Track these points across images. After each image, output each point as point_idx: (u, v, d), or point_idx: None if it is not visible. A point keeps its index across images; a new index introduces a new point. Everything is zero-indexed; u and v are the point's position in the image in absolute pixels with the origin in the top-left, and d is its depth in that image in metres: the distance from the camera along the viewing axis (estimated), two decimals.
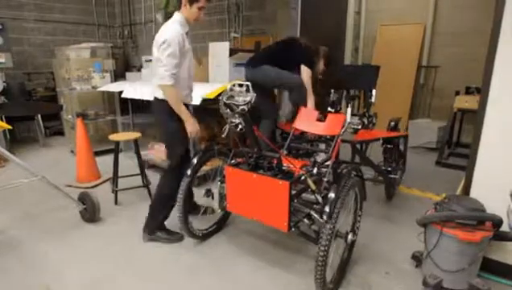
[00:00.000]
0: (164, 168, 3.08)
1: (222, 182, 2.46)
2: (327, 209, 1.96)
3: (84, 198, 3.11)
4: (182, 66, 2.59)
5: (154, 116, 2.76)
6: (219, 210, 2.58)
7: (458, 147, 5.26)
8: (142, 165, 3.66)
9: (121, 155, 3.67)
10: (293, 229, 2.16)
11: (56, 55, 5.73)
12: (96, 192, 3.36)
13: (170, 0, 6.17)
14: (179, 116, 2.59)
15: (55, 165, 4.77)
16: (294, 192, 2.14)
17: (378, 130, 3.56)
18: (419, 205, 3.30)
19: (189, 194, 2.76)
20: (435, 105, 5.87)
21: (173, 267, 2.52)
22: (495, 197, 2.11)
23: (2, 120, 4.72)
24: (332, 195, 2.00)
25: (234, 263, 2.56)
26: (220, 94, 2.15)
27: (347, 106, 3.62)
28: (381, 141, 3.41)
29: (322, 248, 1.94)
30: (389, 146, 3.42)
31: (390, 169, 3.35)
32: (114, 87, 4.87)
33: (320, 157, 2.46)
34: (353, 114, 3.52)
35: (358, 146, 3.30)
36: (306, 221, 2.18)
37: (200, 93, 3.51)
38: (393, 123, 3.49)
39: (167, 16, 6.36)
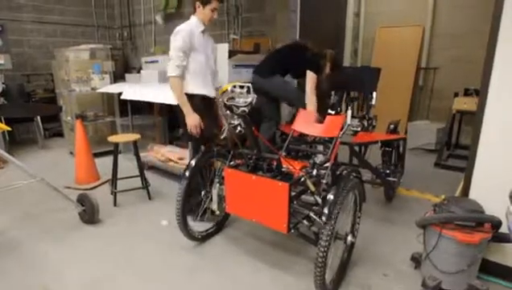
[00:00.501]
0: None
1: (221, 184, 2.46)
2: (326, 210, 1.96)
3: (83, 200, 3.11)
4: (194, 61, 2.86)
5: None
6: (217, 212, 2.58)
7: (457, 148, 5.28)
8: (142, 167, 3.66)
9: (120, 157, 3.67)
10: (292, 230, 2.16)
11: (56, 56, 5.73)
12: (95, 193, 3.36)
13: (169, 1, 6.20)
14: (196, 109, 2.82)
15: (54, 167, 4.76)
16: (293, 193, 2.14)
17: (377, 133, 3.56)
18: (418, 207, 3.30)
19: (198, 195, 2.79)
20: (434, 107, 5.88)
21: (173, 268, 2.52)
22: (494, 199, 2.10)
23: (1, 121, 4.72)
24: (331, 196, 2.00)
25: (234, 264, 2.56)
26: (221, 95, 2.16)
27: (347, 108, 3.63)
28: (379, 144, 3.40)
29: (321, 249, 1.94)
30: (387, 148, 3.41)
31: (388, 172, 3.35)
32: (114, 88, 4.87)
33: (319, 159, 2.45)
34: (353, 117, 3.52)
35: (357, 148, 3.30)
36: (305, 222, 2.18)
37: None
38: (392, 126, 3.48)
39: (166, 17, 6.41)
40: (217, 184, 2.51)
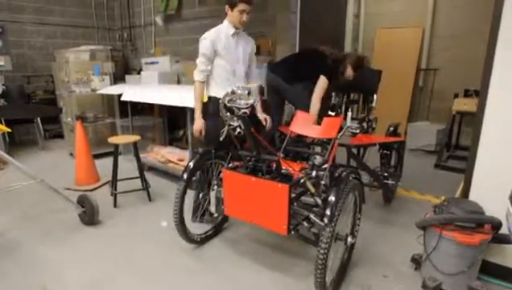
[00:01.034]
0: None
1: (219, 186, 2.45)
2: (328, 211, 1.96)
3: (83, 201, 3.10)
4: (217, 66, 2.90)
5: None
6: (215, 214, 2.57)
7: (457, 149, 5.27)
8: (142, 168, 3.66)
9: (120, 158, 3.67)
10: (292, 232, 2.15)
11: (56, 58, 5.74)
12: (95, 195, 3.36)
13: (169, 3, 6.21)
14: (211, 113, 2.86)
15: (54, 168, 4.76)
16: (293, 195, 2.14)
17: (376, 135, 3.55)
18: (418, 208, 3.30)
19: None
20: (434, 108, 5.88)
21: (173, 269, 2.52)
22: (494, 200, 2.11)
23: (1, 123, 4.72)
24: (332, 198, 2.00)
25: (233, 265, 2.55)
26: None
27: (347, 110, 3.62)
28: (377, 146, 3.38)
29: (322, 251, 1.94)
30: (385, 151, 3.40)
31: (386, 175, 3.34)
32: (114, 90, 4.88)
33: (317, 160, 2.45)
34: (352, 118, 3.51)
35: (355, 150, 3.29)
36: (305, 224, 2.18)
37: None
38: (392, 128, 3.48)
39: (167, 19, 6.41)
40: (215, 187, 2.50)
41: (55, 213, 3.29)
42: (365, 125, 3.40)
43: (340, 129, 2.48)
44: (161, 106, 5.16)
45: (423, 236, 2.32)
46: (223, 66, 2.90)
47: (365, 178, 3.22)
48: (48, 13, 6.70)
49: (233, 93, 2.05)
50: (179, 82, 5.30)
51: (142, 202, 3.62)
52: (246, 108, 1.97)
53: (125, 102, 4.83)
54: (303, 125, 2.85)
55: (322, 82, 3.21)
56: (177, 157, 4.33)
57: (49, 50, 6.60)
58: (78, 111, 5.29)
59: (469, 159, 2.31)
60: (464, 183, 2.40)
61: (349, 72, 3.26)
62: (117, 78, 5.89)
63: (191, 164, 2.57)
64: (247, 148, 2.40)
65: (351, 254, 2.45)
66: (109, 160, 3.68)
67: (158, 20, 6.53)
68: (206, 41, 2.81)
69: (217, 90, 2.86)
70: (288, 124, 3.08)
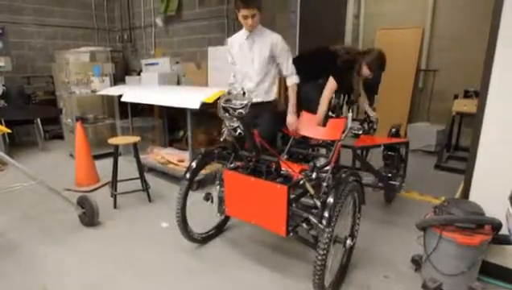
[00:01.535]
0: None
1: (221, 186, 2.46)
2: (326, 213, 1.95)
3: (83, 202, 3.10)
4: (235, 68, 3.07)
5: None
6: (218, 214, 2.57)
7: (457, 150, 5.27)
8: (142, 169, 3.66)
9: (120, 159, 3.67)
10: (291, 233, 2.15)
11: (56, 59, 5.74)
12: (95, 195, 3.36)
13: (169, 4, 6.21)
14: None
15: (54, 169, 4.76)
16: (293, 196, 2.14)
17: (380, 137, 3.55)
18: (418, 209, 3.29)
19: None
20: (433, 109, 5.88)
21: (173, 269, 2.52)
22: (494, 201, 2.10)
23: (1, 124, 4.72)
24: (330, 200, 1.99)
25: (234, 266, 2.56)
26: (218, 98, 2.16)
27: (348, 111, 3.62)
28: (381, 147, 3.38)
29: (320, 253, 1.93)
30: (390, 152, 3.39)
31: (390, 175, 3.33)
32: (114, 91, 4.88)
33: (320, 162, 2.46)
34: (353, 120, 3.51)
35: (359, 151, 3.29)
36: (304, 225, 2.17)
37: (199, 97, 3.52)
38: (394, 130, 3.48)
39: (167, 20, 6.42)
40: (218, 186, 2.50)
41: (55, 214, 3.29)
42: (365, 126, 3.40)
43: (343, 130, 2.48)
44: (161, 107, 5.17)
45: (423, 237, 2.32)
46: (238, 69, 3.05)
47: (370, 179, 3.22)
48: (48, 14, 6.71)
49: (229, 93, 2.06)
50: (179, 83, 5.30)
51: (142, 203, 3.62)
52: (241, 108, 1.98)
53: (125, 103, 4.84)
54: (308, 126, 2.86)
55: (331, 83, 3.14)
56: (177, 158, 4.34)
57: (49, 51, 6.60)
58: (78, 112, 5.30)
59: (469, 159, 2.31)
60: (464, 183, 2.40)
61: (365, 71, 3.14)
62: (117, 79, 5.89)
63: (193, 164, 2.58)
64: (247, 149, 2.40)
65: (350, 256, 2.44)
66: (109, 161, 3.69)
67: (159, 21, 6.53)
68: (227, 46, 3.04)
69: None
70: None
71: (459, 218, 2.09)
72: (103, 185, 4.09)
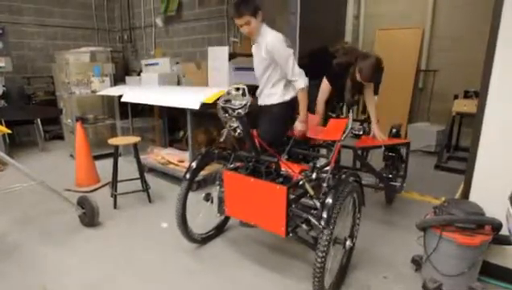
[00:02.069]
0: None
1: (221, 186, 2.46)
2: (324, 214, 1.95)
3: (83, 202, 3.10)
4: None
5: None
6: (218, 214, 2.57)
7: (457, 150, 5.27)
8: (142, 169, 3.66)
9: (120, 160, 3.67)
10: (291, 234, 2.14)
11: (56, 59, 5.74)
12: (95, 196, 3.36)
13: (169, 4, 6.22)
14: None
15: (54, 169, 4.76)
16: (292, 197, 2.14)
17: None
18: (418, 209, 3.29)
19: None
20: (433, 109, 5.88)
21: (173, 269, 2.53)
22: (494, 201, 2.10)
23: (1, 124, 4.72)
24: (329, 200, 1.99)
25: (234, 266, 2.56)
26: (218, 99, 2.16)
27: (348, 112, 3.62)
28: (382, 148, 3.37)
29: (320, 254, 1.93)
30: (391, 153, 3.39)
31: (390, 176, 3.33)
32: (114, 91, 4.88)
33: (320, 162, 2.45)
34: (353, 120, 3.51)
35: (359, 152, 3.28)
36: (304, 226, 2.16)
37: (199, 97, 3.52)
38: (394, 130, 3.47)
39: (167, 20, 6.42)
40: (217, 187, 2.50)
41: (55, 214, 3.29)
42: (366, 126, 3.40)
43: (344, 131, 2.48)
44: (161, 108, 5.17)
45: (423, 237, 2.32)
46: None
47: (370, 179, 3.22)
48: (48, 14, 6.71)
49: (228, 93, 2.06)
50: (179, 83, 5.30)
51: (142, 203, 3.62)
52: (240, 108, 1.98)
53: (126, 104, 4.84)
54: (309, 126, 2.85)
55: (323, 84, 3.19)
56: (177, 158, 4.34)
57: (49, 51, 6.61)
58: (78, 112, 5.30)
59: (469, 160, 2.31)
60: (464, 184, 2.40)
61: (358, 76, 3.10)
62: (118, 79, 5.89)
63: (193, 164, 2.58)
64: (246, 149, 2.40)
65: (350, 257, 2.44)
66: (109, 162, 3.68)
67: (159, 21, 6.54)
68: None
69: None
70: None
71: (459, 219, 2.09)
72: (103, 186, 4.09)
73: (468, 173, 2.33)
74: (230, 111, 2.04)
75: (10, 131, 3.29)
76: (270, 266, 2.54)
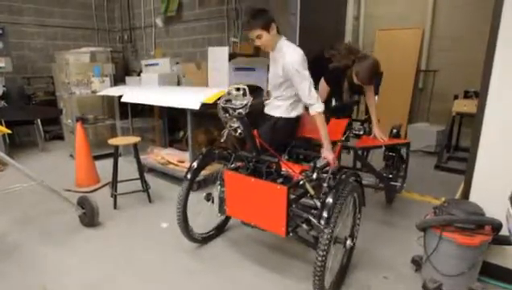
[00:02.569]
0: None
1: (222, 186, 2.46)
2: (325, 214, 1.95)
3: (83, 202, 3.10)
4: None
5: None
6: (219, 214, 2.57)
7: (457, 150, 5.27)
8: (142, 169, 3.66)
9: (120, 160, 3.67)
10: (291, 234, 2.15)
11: (56, 59, 5.74)
12: (95, 196, 3.35)
13: (169, 5, 6.22)
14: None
15: (54, 169, 4.76)
16: (293, 197, 2.14)
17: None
18: (418, 209, 3.29)
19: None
20: (433, 109, 5.88)
21: (173, 269, 2.53)
22: (494, 201, 2.10)
23: (1, 124, 4.72)
24: (330, 200, 1.99)
25: (234, 266, 2.56)
26: (219, 99, 2.16)
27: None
28: (383, 148, 3.37)
29: (320, 254, 1.93)
30: (391, 153, 3.39)
31: (391, 176, 3.33)
32: (114, 91, 4.88)
33: (321, 162, 2.45)
34: (354, 120, 3.51)
35: (359, 152, 3.28)
36: (304, 226, 2.16)
37: (199, 97, 3.53)
38: (395, 130, 3.47)
39: (167, 21, 6.42)
40: (218, 187, 2.50)
41: (55, 215, 3.29)
42: (366, 126, 3.40)
43: (345, 131, 2.47)
44: (161, 108, 5.17)
45: (423, 237, 2.32)
46: None
47: (371, 180, 3.22)
48: (49, 15, 6.71)
49: (228, 93, 2.07)
50: (179, 84, 5.30)
51: (142, 203, 3.62)
52: (241, 108, 1.98)
53: (126, 104, 4.84)
54: (309, 126, 2.85)
55: (320, 86, 3.20)
56: (177, 158, 4.34)
57: (49, 51, 6.61)
58: (78, 113, 5.31)
59: (469, 160, 2.31)
60: (464, 184, 2.40)
61: (355, 78, 3.09)
62: (118, 80, 5.89)
63: (194, 164, 2.58)
64: (247, 149, 2.40)
65: (350, 257, 2.44)
66: (109, 162, 3.68)
67: (159, 22, 6.54)
68: None
69: None
70: None
71: (459, 219, 2.09)
72: (103, 186, 4.09)
73: (468, 173, 2.33)
74: (231, 111, 2.04)
75: (10, 131, 3.29)
76: (271, 266, 2.54)
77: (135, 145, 3.56)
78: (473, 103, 4.13)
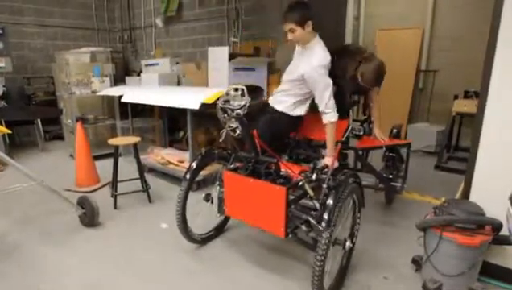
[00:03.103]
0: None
1: (221, 186, 2.46)
2: (325, 215, 1.94)
3: (83, 202, 3.10)
4: None
5: None
6: (218, 215, 2.57)
7: (457, 150, 5.27)
8: (142, 169, 3.66)
9: (120, 160, 3.67)
10: (290, 235, 2.13)
11: (56, 59, 5.74)
12: (95, 196, 3.35)
13: (169, 5, 6.22)
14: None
15: (54, 169, 4.76)
16: (292, 197, 2.13)
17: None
18: (418, 209, 3.29)
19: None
20: (434, 109, 5.88)
21: (173, 269, 2.53)
22: (495, 201, 2.10)
23: (1, 124, 4.72)
24: (330, 202, 1.97)
25: (234, 266, 2.56)
26: (218, 99, 2.16)
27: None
28: (383, 148, 3.36)
29: (319, 256, 1.91)
30: (391, 154, 3.38)
31: (391, 177, 3.32)
32: (114, 91, 4.88)
33: (321, 163, 2.44)
34: (353, 120, 3.50)
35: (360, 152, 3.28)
36: (304, 227, 2.15)
37: (199, 97, 3.52)
38: (395, 130, 3.47)
39: (167, 21, 6.43)
40: (218, 187, 2.50)
41: (55, 215, 3.29)
42: (365, 126, 3.39)
43: (345, 131, 2.47)
44: (161, 108, 5.17)
45: (423, 237, 2.32)
46: None
47: (370, 180, 3.22)
48: (49, 15, 6.72)
49: (227, 94, 2.07)
50: (179, 84, 5.30)
51: (142, 204, 3.62)
52: (239, 108, 1.98)
53: (126, 104, 4.84)
54: (310, 126, 2.85)
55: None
56: (177, 158, 4.34)
57: (49, 51, 6.61)
58: (78, 113, 5.31)
59: (469, 160, 2.31)
60: (464, 184, 2.40)
61: (360, 79, 2.96)
62: (118, 80, 5.90)
63: (194, 165, 2.58)
64: (245, 149, 2.40)
65: (350, 258, 2.42)
66: (110, 162, 3.69)
67: (159, 22, 6.54)
68: None
69: None
70: None
71: (459, 219, 2.09)
72: (103, 186, 4.09)
73: (468, 173, 2.33)
74: (229, 112, 2.04)
75: (10, 131, 3.29)
76: (271, 267, 2.53)
77: (135, 145, 3.56)
78: (473, 103, 4.13)
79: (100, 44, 7.28)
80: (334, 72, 2.88)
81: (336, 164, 2.51)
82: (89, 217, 3.09)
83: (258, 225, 2.26)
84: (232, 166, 2.43)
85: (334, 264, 2.24)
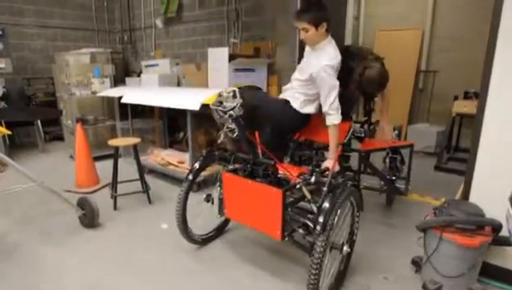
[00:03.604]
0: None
1: (222, 187, 2.46)
2: (321, 219, 1.90)
3: (83, 203, 3.10)
4: None
5: None
6: (218, 216, 2.57)
7: (457, 151, 5.26)
8: (142, 170, 3.66)
9: (120, 161, 3.67)
10: (287, 238, 2.11)
11: (56, 60, 5.75)
12: (95, 197, 3.36)
13: (169, 6, 6.23)
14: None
15: (54, 170, 4.76)
16: (291, 200, 2.12)
17: (385, 140, 3.51)
18: (418, 210, 3.28)
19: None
20: (433, 110, 5.88)
21: (173, 269, 2.53)
22: (494, 202, 2.10)
23: (1, 125, 4.72)
24: (326, 205, 1.94)
25: (234, 267, 2.55)
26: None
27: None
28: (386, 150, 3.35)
29: (315, 260, 1.87)
30: (394, 155, 3.37)
31: (394, 178, 3.31)
32: (114, 92, 4.88)
33: (323, 165, 2.42)
34: (354, 122, 3.49)
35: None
36: (301, 231, 2.12)
37: (199, 98, 3.52)
38: (396, 132, 3.46)
39: (167, 21, 6.43)
40: (218, 188, 2.50)
41: (55, 215, 3.29)
42: (366, 128, 3.39)
43: (347, 134, 2.46)
44: (161, 109, 5.17)
45: (423, 238, 2.32)
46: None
47: (374, 182, 3.20)
48: (49, 16, 6.72)
49: (220, 95, 2.07)
50: (179, 84, 5.30)
51: (142, 204, 3.62)
52: (231, 109, 1.99)
53: (126, 105, 4.84)
54: (312, 128, 2.84)
55: None
56: (177, 159, 4.34)
57: (49, 52, 6.62)
58: (78, 113, 5.31)
59: (469, 161, 2.31)
60: (464, 185, 2.40)
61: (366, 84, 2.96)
62: (118, 80, 5.89)
63: (196, 165, 2.58)
64: (242, 150, 2.39)
65: (348, 263, 2.38)
66: (109, 163, 3.68)
67: (159, 23, 6.55)
68: None
69: None
70: None
71: (459, 219, 2.09)
72: (103, 187, 4.09)
73: (468, 174, 2.33)
74: (221, 113, 2.05)
75: (10, 132, 3.29)
76: (270, 269, 2.53)
77: (135, 146, 3.56)
78: (473, 104, 4.13)
79: (100, 45, 7.29)
80: (340, 75, 2.88)
81: (337, 167, 2.48)
82: (89, 218, 3.09)
83: (255, 226, 2.26)
84: (231, 167, 2.43)
85: (332, 269, 2.20)
